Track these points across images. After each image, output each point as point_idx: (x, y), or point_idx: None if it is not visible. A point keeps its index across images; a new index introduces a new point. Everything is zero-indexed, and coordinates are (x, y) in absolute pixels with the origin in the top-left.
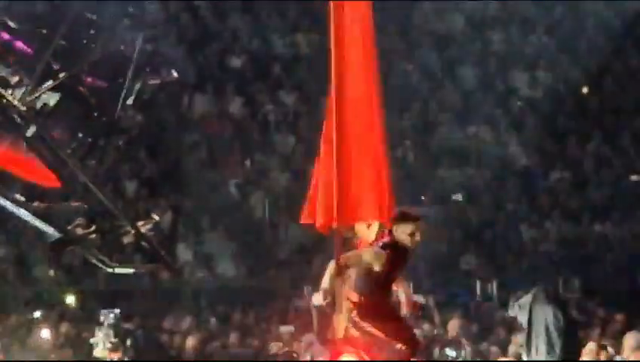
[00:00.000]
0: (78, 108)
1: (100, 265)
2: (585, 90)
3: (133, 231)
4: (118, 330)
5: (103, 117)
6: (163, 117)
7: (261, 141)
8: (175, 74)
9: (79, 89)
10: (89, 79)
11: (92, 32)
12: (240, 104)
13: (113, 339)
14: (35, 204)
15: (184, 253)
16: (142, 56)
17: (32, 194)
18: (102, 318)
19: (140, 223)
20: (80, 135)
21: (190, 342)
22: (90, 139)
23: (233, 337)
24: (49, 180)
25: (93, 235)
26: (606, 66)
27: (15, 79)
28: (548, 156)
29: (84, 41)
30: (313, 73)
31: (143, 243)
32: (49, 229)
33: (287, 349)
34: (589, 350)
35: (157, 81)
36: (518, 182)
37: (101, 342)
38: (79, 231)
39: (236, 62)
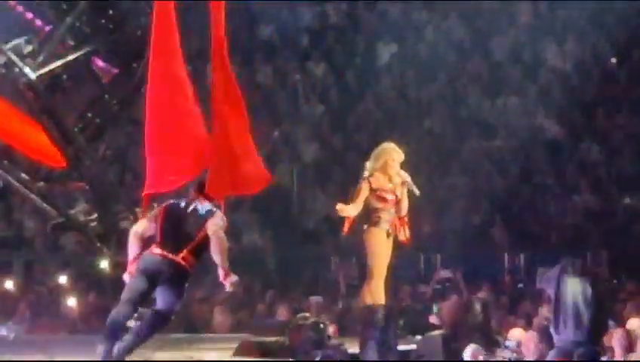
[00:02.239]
0: (90, 89)
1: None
2: (613, 61)
3: (131, 217)
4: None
5: (114, 100)
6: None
7: (289, 111)
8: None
9: (92, 69)
10: (100, 63)
11: (111, 12)
12: (268, 73)
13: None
14: (40, 184)
15: None
16: None
17: (38, 173)
18: None
19: (138, 210)
20: (89, 115)
21: (218, 312)
22: (98, 121)
23: (260, 307)
24: (54, 160)
25: (94, 223)
26: (635, 38)
27: (29, 48)
28: (576, 128)
29: (102, 21)
30: (341, 43)
31: None
32: (51, 211)
33: (314, 319)
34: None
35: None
36: (545, 154)
37: None
38: (81, 217)
39: (265, 31)
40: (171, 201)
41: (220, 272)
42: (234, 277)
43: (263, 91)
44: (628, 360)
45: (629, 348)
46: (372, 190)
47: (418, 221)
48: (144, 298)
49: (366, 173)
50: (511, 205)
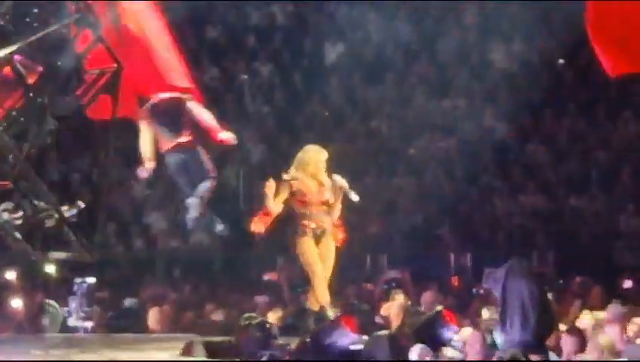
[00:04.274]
0: (14, 87)
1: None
2: (561, 62)
3: (56, 216)
4: (91, 299)
5: (38, 99)
6: None
7: (236, 112)
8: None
9: (17, 68)
10: (24, 60)
11: (35, 10)
12: (215, 74)
13: (86, 308)
14: None
15: (159, 222)
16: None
17: None
18: (75, 287)
19: (64, 208)
20: (13, 113)
21: (164, 311)
22: (22, 119)
23: (208, 308)
24: None
25: (19, 221)
26: (582, 39)
27: None
28: (523, 129)
29: (27, 20)
30: (288, 44)
31: (66, 227)
32: None
33: (260, 319)
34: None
35: (96, 71)
36: (493, 156)
37: (74, 312)
38: (6, 215)
39: (212, 32)
40: None
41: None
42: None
43: (210, 92)
44: (576, 360)
45: (579, 348)
46: (292, 194)
47: (365, 221)
48: None
49: (286, 176)
50: (458, 206)
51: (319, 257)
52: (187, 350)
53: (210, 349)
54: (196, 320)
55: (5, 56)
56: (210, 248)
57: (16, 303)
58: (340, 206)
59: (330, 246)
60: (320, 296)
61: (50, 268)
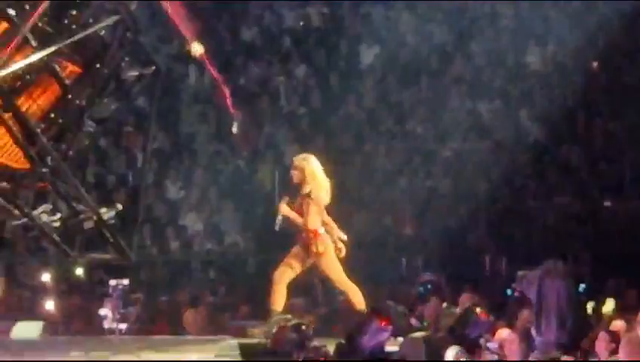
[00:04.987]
0: (53, 89)
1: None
2: (594, 64)
3: (94, 218)
4: (127, 301)
5: (76, 101)
6: (173, 90)
7: (271, 113)
8: (154, 67)
9: (56, 70)
10: (64, 62)
11: (74, 12)
12: (250, 76)
13: (122, 310)
14: (3, 184)
15: (195, 224)
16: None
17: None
18: (110, 289)
19: (102, 210)
20: (52, 115)
21: (200, 313)
22: (61, 121)
23: (243, 309)
24: (18, 161)
25: (57, 223)
26: (616, 41)
27: None
28: (558, 131)
29: (65, 22)
30: (323, 45)
31: (104, 230)
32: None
33: (296, 321)
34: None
35: (135, 73)
36: (527, 157)
37: (110, 314)
38: (44, 217)
39: (247, 34)
40: None
41: None
42: None
43: (245, 93)
44: (611, 361)
45: (614, 349)
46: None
47: (400, 223)
48: None
49: (312, 195)
50: (493, 207)
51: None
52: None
53: (246, 351)
54: (231, 321)
55: (43, 58)
56: (245, 250)
57: (50, 305)
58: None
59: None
60: (359, 304)
61: (80, 271)
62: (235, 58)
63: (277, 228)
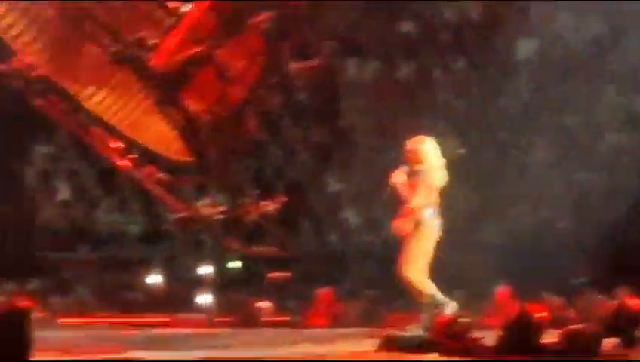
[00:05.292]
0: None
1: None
2: None
3: (256, 211)
4: (287, 294)
5: (238, 93)
6: (332, 82)
7: (429, 106)
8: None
9: (218, 61)
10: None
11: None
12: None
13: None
14: (164, 176)
15: (354, 217)
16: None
17: (162, 165)
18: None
19: (263, 203)
20: (214, 108)
21: (359, 306)
22: (223, 115)
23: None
24: (179, 153)
25: (219, 216)
26: None
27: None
28: None
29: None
30: (481, 39)
31: (265, 223)
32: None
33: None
34: None
35: (298, 66)
36: None
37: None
38: (206, 210)
39: (406, 27)
40: None
41: None
42: None
43: (403, 87)
44: None
45: None
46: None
47: (556, 217)
48: None
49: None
50: None
51: None
52: (384, 344)
53: (403, 343)
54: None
55: (207, 53)
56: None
57: (208, 298)
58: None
59: None
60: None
61: (236, 264)
62: (395, 52)
63: (385, 195)
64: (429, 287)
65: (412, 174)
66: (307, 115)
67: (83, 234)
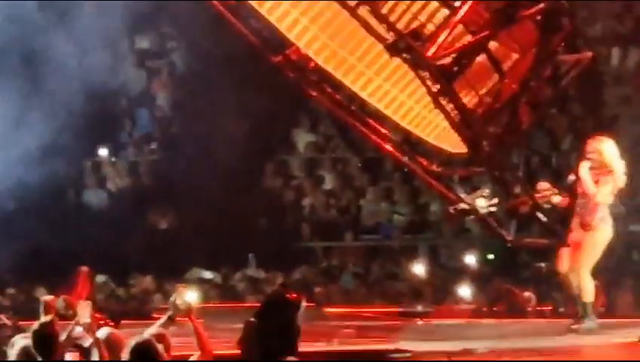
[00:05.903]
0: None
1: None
2: None
3: (531, 202)
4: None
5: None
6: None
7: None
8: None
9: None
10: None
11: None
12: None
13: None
14: (439, 168)
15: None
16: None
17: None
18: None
19: (538, 195)
20: (487, 100)
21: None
22: (497, 105)
23: None
24: (455, 146)
25: (495, 208)
26: None
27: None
28: None
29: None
30: None
31: (539, 215)
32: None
33: None
34: None
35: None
36: None
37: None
38: (482, 202)
39: None
40: None
41: None
42: None
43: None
44: None
45: None
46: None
47: None
48: None
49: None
50: None
51: None
52: None
53: None
54: None
55: (481, 44)
56: None
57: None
58: None
59: None
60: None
61: (491, 256)
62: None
63: (567, 183)
64: (592, 289)
65: (596, 171)
66: (572, 105)
67: (348, 224)
